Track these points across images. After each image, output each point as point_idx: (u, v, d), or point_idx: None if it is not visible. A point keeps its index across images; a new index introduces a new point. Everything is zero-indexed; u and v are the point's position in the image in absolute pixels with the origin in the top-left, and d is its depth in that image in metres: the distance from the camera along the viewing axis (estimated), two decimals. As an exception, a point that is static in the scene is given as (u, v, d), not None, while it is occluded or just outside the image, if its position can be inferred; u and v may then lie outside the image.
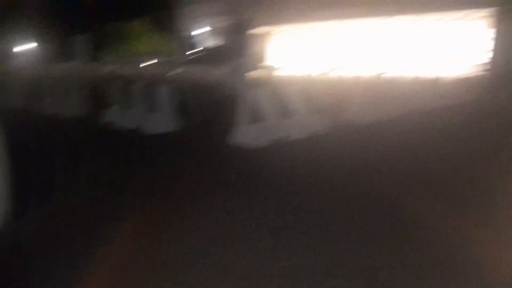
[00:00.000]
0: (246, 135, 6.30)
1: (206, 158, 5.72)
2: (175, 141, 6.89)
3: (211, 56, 36.76)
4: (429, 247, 2.98)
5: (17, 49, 20.77)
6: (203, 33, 45.29)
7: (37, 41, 21.90)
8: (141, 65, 38.50)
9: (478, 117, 9.21)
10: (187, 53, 46.63)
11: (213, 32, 44.09)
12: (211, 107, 11.62)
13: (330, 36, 35.37)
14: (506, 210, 3.69)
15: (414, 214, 3.64)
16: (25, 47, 21.65)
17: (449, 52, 28.56)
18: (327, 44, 35.73)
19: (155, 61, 44.34)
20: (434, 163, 5.34)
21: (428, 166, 5.23)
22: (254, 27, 14.91)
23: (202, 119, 9.25)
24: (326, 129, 7.24)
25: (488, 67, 12.01)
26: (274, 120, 6.56)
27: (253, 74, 23.55)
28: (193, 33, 46.36)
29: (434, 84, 11.39)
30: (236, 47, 15.07)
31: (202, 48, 44.56)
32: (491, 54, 10.50)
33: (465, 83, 12.34)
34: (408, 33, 31.20)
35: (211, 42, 43.97)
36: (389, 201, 3.91)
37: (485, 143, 6.54)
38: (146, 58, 46.39)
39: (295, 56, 35.55)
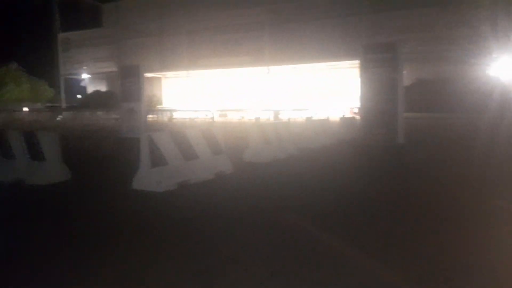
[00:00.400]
0: (147, 180, 6.04)
1: (104, 206, 5.29)
2: (66, 191, 6.25)
3: (98, 101, 35.06)
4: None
5: None
6: (89, 78, 43.15)
7: None
8: (19, 111, 34.73)
9: (359, 153, 10.38)
10: (76, 97, 43.63)
11: (100, 77, 42.35)
12: (104, 153, 10.96)
13: (222, 82, 36.82)
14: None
15: (313, 245, 3.87)
16: None
17: (332, 95, 31.94)
18: (221, 89, 37.01)
19: (37, 106, 40.43)
20: (330, 194, 5.80)
21: (325, 198, 5.65)
22: (143, 72, 14.77)
23: (95, 166, 8.63)
24: (228, 169, 7.37)
25: (359, 109, 13.69)
26: (176, 163, 6.45)
27: (148, 117, 22.97)
28: (79, 77, 43.88)
29: (323, 124, 12.55)
30: (127, 91, 14.66)
31: (88, 93, 42.29)
32: (361, 98, 12.04)
33: (346, 123, 13.85)
34: (292, 80, 34.18)
35: (98, 87, 42.06)
36: (295, 236, 4.09)
37: (364, 175, 7.46)
38: (24, 104, 42.09)
39: (189, 100, 35.94)
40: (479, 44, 22.45)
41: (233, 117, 29.71)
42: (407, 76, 22.12)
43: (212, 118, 27.90)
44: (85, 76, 41.94)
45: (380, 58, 11.48)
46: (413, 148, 10.95)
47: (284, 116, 25.47)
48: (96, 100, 35.12)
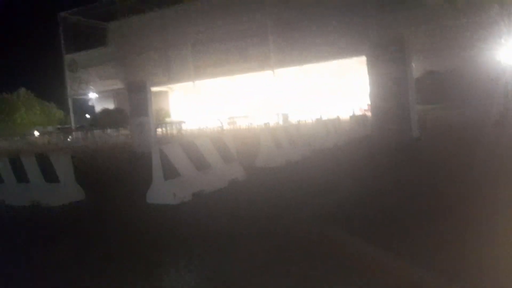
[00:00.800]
0: (160, 193, 5.97)
1: (122, 223, 5.23)
2: (81, 211, 6.21)
3: (107, 118, 35.38)
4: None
5: None
6: (97, 97, 43.57)
7: None
8: (31, 135, 35.24)
9: (373, 150, 10.19)
10: (85, 117, 44.06)
11: (108, 95, 42.74)
12: (117, 169, 10.97)
13: (228, 90, 36.86)
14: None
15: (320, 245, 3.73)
16: None
17: (341, 94, 31.62)
18: (227, 97, 37.06)
19: (48, 129, 40.94)
20: (342, 195, 5.65)
21: (337, 198, 5.50)
22: (150, 86, 14.82)
23: (108, 183, 8.62)
24: (242, 176, 7.27)
25: (370, 106, 13.47)
26: (189, 174, 6.37)
27: (159, 130, 23.02)
28: (87, 97, 44.33)
29: (334, 124, 12.40)
30: (136, 107, 14.74)
31: (97, 111, 42.72)
32: (371, 95, 11.83)
33: (357, 121, 13.66)
34: (300, 82, 34.01)
35: (106, 105, 42.44)
36: (307, 241, 3.95)
37: (381, 173, 7.28)
38: (36, 127, 42.67)
39: (197, 110, 36.04)
40: (488, 30, 22.08)
41: (242, 123, 29.69)
42: (417, 68, 21.80)
43: (221, 126, 27.90)
44: (93, 95, 42.43)
45: (388, 53, 11.29)
46: (429, 141, 10.72)
47: (293, 119, 25.34)
48: (105, 118, 35.44)
